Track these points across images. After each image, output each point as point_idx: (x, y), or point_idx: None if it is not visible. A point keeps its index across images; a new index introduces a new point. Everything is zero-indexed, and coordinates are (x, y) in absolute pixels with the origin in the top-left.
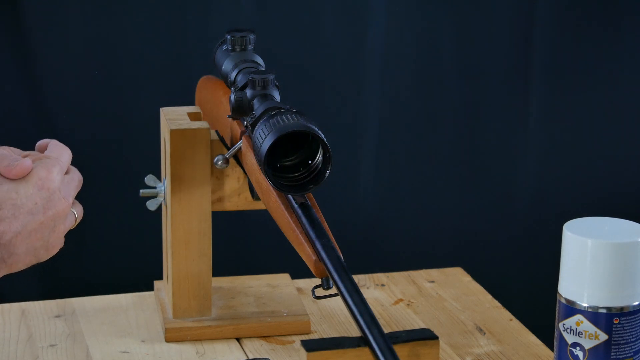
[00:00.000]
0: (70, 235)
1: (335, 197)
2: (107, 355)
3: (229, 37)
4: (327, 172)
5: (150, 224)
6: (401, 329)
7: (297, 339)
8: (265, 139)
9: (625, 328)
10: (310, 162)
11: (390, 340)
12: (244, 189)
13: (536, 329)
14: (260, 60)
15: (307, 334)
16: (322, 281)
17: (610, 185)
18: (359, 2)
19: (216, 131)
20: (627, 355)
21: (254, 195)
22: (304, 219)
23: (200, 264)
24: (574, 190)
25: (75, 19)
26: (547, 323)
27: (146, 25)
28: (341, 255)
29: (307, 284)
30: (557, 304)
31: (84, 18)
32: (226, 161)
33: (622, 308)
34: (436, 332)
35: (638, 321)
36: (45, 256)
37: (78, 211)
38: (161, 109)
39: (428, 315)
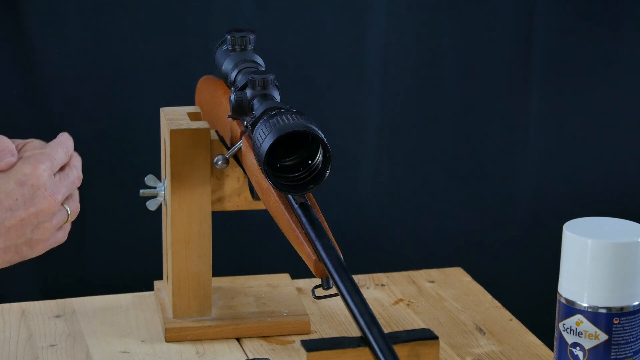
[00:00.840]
0: (70, 235)
1: (335, 197)
2: (107, 355)
3: (229, 37)
4: (327, 172)
5: (150, 224)
6: (401, 329)
7: (297, 339)
8: (265, 139)
9: (625, 328)
10: (310, 162)
11: (390, 340)
12: (244, 189)
13: (536, 329)
14: (260, 60)
15: (307, 334)
16: (322, 281)
17: (610, 186)
18: (359, 2)
19: (216, 131)
20: (627, 355)
21: (254, 195)
22: (304, 219)
23: (200, 264)
24: (574, 191)
25: (75, 19)
26: (547, 323)
27: (146, 25)
28: (341, 255)
29: (307, 284)
30: (557, 304)
31: (84, 18)
32: (226, 161)
33: (622, 308)
34: (436, 332)
35: (638, 321)
36: (30, 254)
37: (72, 208)
38: (161, 109)
39: (428, 315)
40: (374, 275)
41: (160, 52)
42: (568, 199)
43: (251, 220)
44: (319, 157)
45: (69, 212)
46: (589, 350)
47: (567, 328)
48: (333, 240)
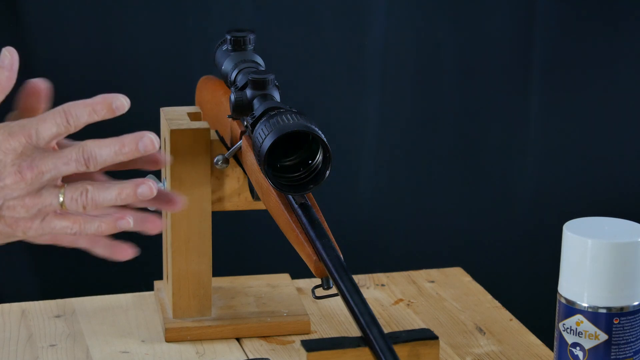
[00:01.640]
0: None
1: (335, 197)
2: (107, 355)
3: (229, 37)
4: (327, 172)
5: None
6: (401, 329)
7: (297, 339)
8: (265, 139)
9: (625, 328)
10: (310, 162)
11: (390, 340)
12: (244, 189)
13: (536, 329)
14: (260, 60)
15: (307, 334)
16: (322, 281)
17: (610, 186)
18: (359, 3)
19: (216, 131)
20: (627, 355)
21: (254, 195)
22: (304, 219)
23: (200, 264)
24: (574, 191)
25: (75, 18)
26: (547, 323)
27: (146, 25)
28: (341, 255)
29: (307, 284)
30: (557, 304)
31: (84, 18)
32: (226, 161)
33: (622, 308)
34: (436, 332)
35: (638, 321)
36: (8, 231)
37: (69, 194)
38: (161, 109)
39: (428, 315)
40: (374, 275)
41: (160, 52)
42: (568, 199)
43: (251, 220)
44: (319, 157)
45: (60, 198)
46: (589, 350)
47: (567, 328)
48: (333, 240)
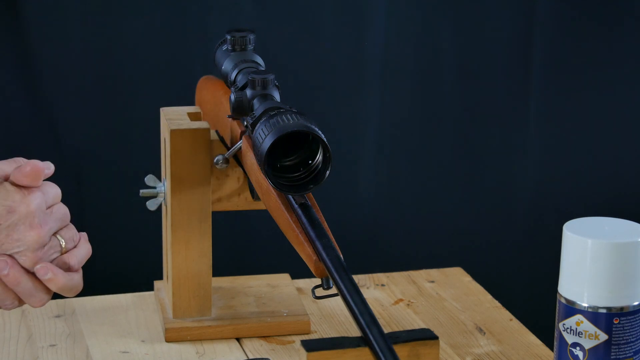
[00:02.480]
0: None
1: (335, 197)
2: (107, 355)
3: (229, 37)
4: (327, 172)
5: (150, 224)
6: (401, 329)
7: (297, 339)
8: (265, 139)
9: (625, 328)
10: (310, 162)
11: (390, 340)
12: (244, 189)
13: (536, 329)
14: (260, 60)
15: (307, 334)
16: (322, 281)
17: (610, 186)
18: (359, 3)
19: (216, 131)
20: (627, 355)
21: (254, 195)
22: (304, 219)
23: (200, 264)
24: (574, 191)
25: (75, 19)
26: (547, 323)
27: (146, 25)
28: (341, 255)
29: (307, 284)
30: (557, 304)
31: (84, 18)
32: (226, 161)
33: (622, 308)
34: (436, 332)
35: (638, 321)
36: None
37: (66, 237)
38: (161, 109)
39: (428, 315)
40: (374, 275)
41: (160, 52)
42: (568, 199)
43: (251, 220)
44: (319, 157)
45: (61, 243)
46: (589, 350)
47: (567, 328)
48: (333, 240)
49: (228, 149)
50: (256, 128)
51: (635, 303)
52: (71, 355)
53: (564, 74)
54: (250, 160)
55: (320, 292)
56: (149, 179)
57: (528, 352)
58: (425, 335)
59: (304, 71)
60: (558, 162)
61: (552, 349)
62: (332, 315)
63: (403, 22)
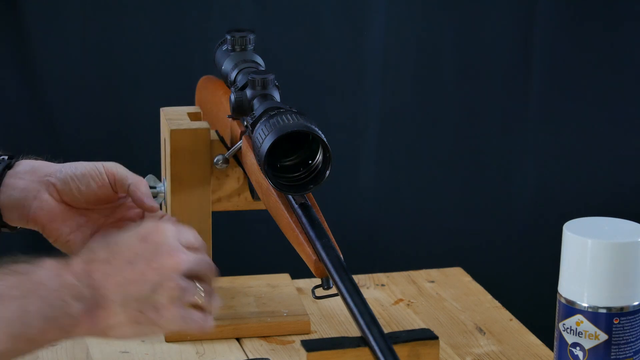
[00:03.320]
0: None
1: (335, 197)
2: (107, 355)
3: (229, 37)
4: (327, 172)
5: None
6: (401, 329)
7: (297, 339)
8: (265, 139)
9: (625, 328)
10: (310, 162)
11: (390, 340)
12: (244, 189)
13: (536, 329)
14: (260, 60)
15: (307, 334)
16: (322, 281)
17: (610, 186)
18: (359, 2)
19: (216, 131)
20: (627, 355)
21: (254, 195)
22: (304, 219)
23: None
24: (574, 190)
25: (75, 19)
26: (547, 323)
27: (146, 25)
28: (341, 255)
29: (307, 284)
30: (557, 304)
31: (84, 18)
32: (226, 161)
33: (622, 308)
34: (436, 332)
35: (638, 321)
36: (157, 318)
37: (205, 290)
38: (161, 109)
39: (428, 315)
40: (374, 275)
41: (160, 52)
42: (568, 199)
43: (251, 220)
44: (319, 157)
45: (201, 291)
46: (589, 350)
47: (567, 328)
48: (333, 240)
49: (228, 149)
50: (256, 128)
51: (635, 303)
52: (71, 355)
53: (564, 74)
54: (250, 160)
55: (320, 292)
56: (149, 179)
57: (528, 352)
58: (425, 335)
59: (304, 71)
60: (558, 162)
61: (552, 349)
62: (332, 315)
63: (403, 22)
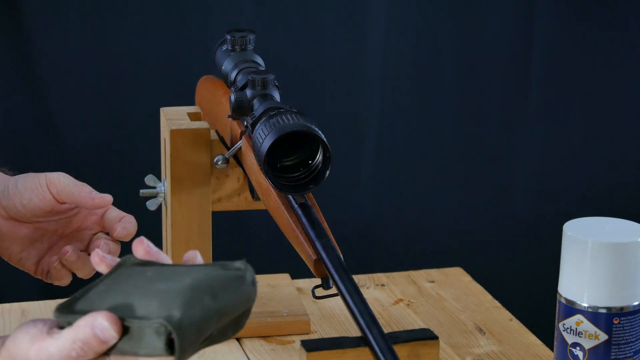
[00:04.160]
0: None
1: (335, 197)
2: None
3: (229, 37)
4: (327, 172)
5: (150, 224)
6: (401, 329)
7: (297, 339)
8: (265, 139)
9: (625, 328)
10: (310, 162)
11: (390, 340)
12: (244, 189)
13: (536, 329)
14: (260, 60)
15: (307, 334)
16: (322, 281)
17: (610, 186)
18: (359, 2)
19: (216, 131)
20: (627, 355)
21: (254, 195)
22: (304, 219)
23: None
24: (574, 190)
25: (75, 19)
26: (547, 323)
27: (146, 25)
28: (341, 255)
29: (307, 284)
30: (557, 304)
31: (84, 18)
32: (226, 161)
33: (622, 308)
34: (436, 332)
35: (638, 321)
36: None
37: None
38: (161, 109)
39: (428, 315)
40: (374, 275)
41: (160, 52)
42: (568, 199)
43: (251, 220)
44: (319, 157)
45: None
46: (589, 350)
47: (567, 328)
48: (333, 240)
49: (228, 149)
50: (256, 128)
51: (635, 303)
52: None
53: (563, 74)
54: (250, 160)
55: (320, 292)
56: (149, 179)
57: (528, 352)
58: (425, 335)
59: (304, 71)
60: (558, 162)
61: (552, 349)
62: (332, 315)
63: (403, 22)
